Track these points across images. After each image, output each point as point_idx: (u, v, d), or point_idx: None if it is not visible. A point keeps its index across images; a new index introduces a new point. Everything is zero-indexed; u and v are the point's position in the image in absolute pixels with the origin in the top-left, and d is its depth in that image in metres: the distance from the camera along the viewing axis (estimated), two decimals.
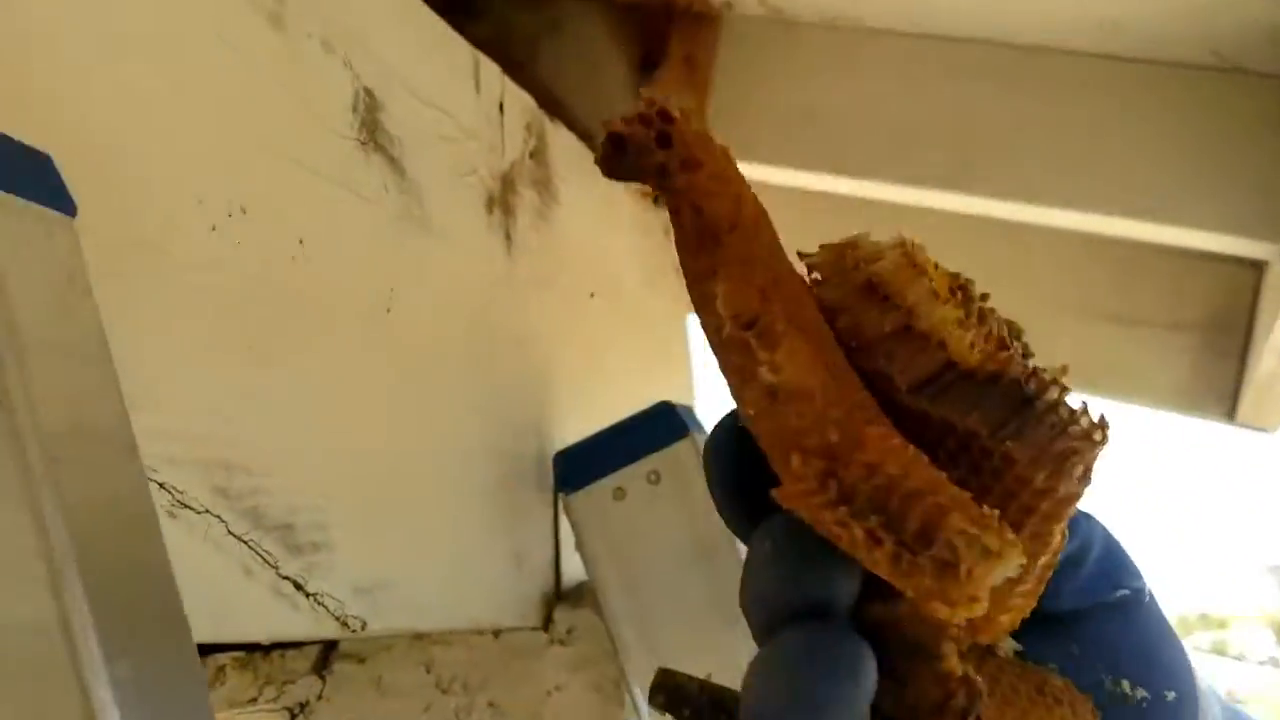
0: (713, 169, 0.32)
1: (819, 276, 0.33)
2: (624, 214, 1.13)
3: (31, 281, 0.34)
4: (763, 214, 0.33)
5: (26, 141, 0.39)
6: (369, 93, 0.71)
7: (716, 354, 0.32)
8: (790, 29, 1.05)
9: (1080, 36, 1.00)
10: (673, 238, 0.34)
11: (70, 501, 0.32)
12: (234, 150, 0.59)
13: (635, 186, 1.14)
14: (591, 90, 1.10)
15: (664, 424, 0.82)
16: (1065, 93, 1.02)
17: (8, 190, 0.34)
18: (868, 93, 1.05)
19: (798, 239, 0.35)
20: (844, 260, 0.33)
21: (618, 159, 0.32)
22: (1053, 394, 0.31)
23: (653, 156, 0.32)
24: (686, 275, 0.33)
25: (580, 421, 0.92)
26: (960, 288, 0.34)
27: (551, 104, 1.10)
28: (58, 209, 0.36)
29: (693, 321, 1.24)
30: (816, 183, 1.10)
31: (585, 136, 1.08)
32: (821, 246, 0.35)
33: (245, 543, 0.57)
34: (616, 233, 1.11)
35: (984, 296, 0.34)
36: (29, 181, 0.35)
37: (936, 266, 0.33)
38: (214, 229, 0.57)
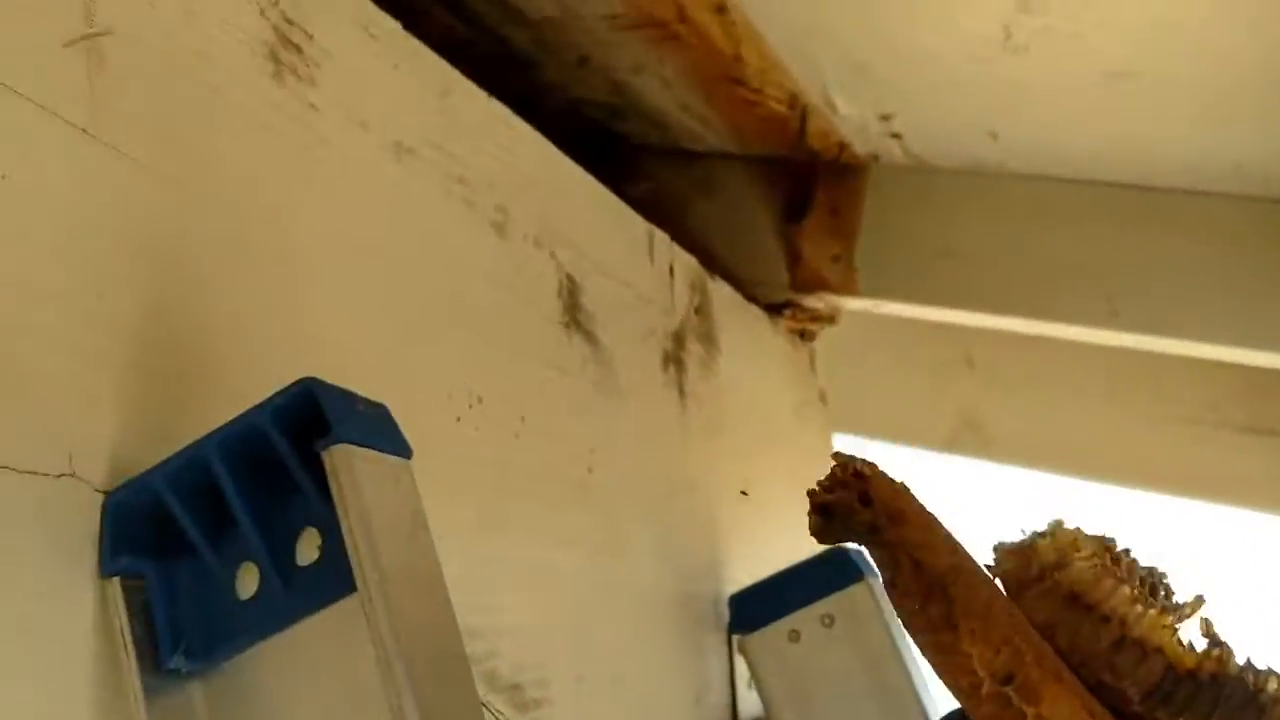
0: (917, 519, 0.36)
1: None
2: (776, 350, 1.20)
3: (387, 522, 0.41)
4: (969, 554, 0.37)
5: (312, 369, 0.47)
6: (570, 278, 0.79)
7: (965, 704, 0.35)
8: (932, 175, 1.12)
9: (1209, 179, 1.04)
10: (885, 578, 0.37)
11: None
12: (473, 348, 0.67)
13: (783, 324, 1.21)
14: (741, 240, 1.18)
15: (838, 568, 0.87)
16: (1196, 231, 1.06)
17: (365, 444, 0.42)
18: (1007, 233, 1.10)
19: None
20: (1029, 568, 0.36)
21: (828, 526, 0.36)
22: (1273, 686, 0.34)
23: (860, 516, 0.35)
24: (911, 624, 0.37)
25: (751, 562, 0.97)
26: (1114, 556, 0.37)
27: (704, 254, 1.18)
28: (398, 454, 0.44)
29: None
30: (957, 317, 1.15)
31: (736, 283, 1.16)
32: (1003, 553, 0.38)
33: (484, 705, 0.63)
34: (770, 369, 1.18)
35: (1126, 552, 0.38)
36: (376, 433, 0.43)
37: (1086, 537, 0.37)
38: (459, 419, 0.64)
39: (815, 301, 1.17)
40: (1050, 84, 0.87)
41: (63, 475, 0.42)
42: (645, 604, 0.84)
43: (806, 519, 0.44)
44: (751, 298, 1.16)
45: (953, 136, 1.03)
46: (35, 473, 0.41)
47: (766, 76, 0.99)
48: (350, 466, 0.40)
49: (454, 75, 0.71)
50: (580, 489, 0.76)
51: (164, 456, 0.43)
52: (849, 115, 1.03)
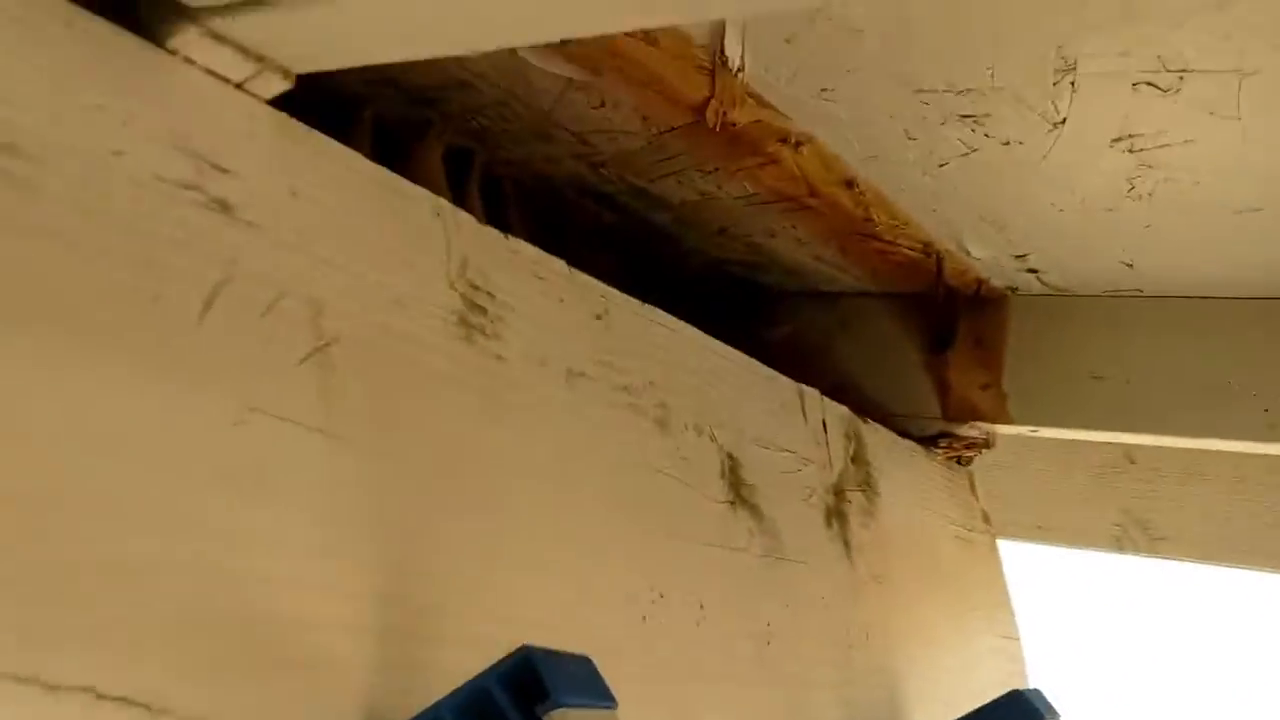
0: None
1: None
2: (934, 481, 1.22)
3: None
4: None
5: (516, 599, 0.53)
6: (730, 456, 0.84)
7: None
8: (1073, 301, 1.14)
9: None
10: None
11: None
12: (650, 545, 0.72)
13: (939, 454, 1.23)
14: (888, 374, 1.22)
15: (1017, 713, 0.88)
16: None
17: (577, 704, 0.47)
18: (1155, 353, 1.11)
19: None
20: None
21: None
22: None
23: None
24: None
25: (931, 705, 0.99)
26: None
27: (852, 391, 1.22)
28: (605, 704, 0.49)
29: (1006, 573, 1.30)
30: (1114, 438, 1.16)
31: (887, 417, 1.19)
32: None
33: None
34: (931, 500, 1.20)
35: None
36: (585, 688, 0.49)
37: None
38: (644, 619, 0.70)
39: (969, 430, 1.19)
40: (1179, 222, 0.89)
41: None
42: None
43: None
44: (904, 432, 1.19)
45: (1088, 269, 1.05)
46: None
47: (898, 231, 1.03)
48: None
49: (610, 294, 0.78)
50: (759, 664, 0.80)
51: (409, 713, 0.49)
52: (983, 257, 1.07)
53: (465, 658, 0.50)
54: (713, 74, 0.79)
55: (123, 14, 0.50)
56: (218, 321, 0.49)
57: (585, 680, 0.49)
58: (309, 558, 0.51)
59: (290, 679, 0.48)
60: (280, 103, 0.55)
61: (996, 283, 1.14)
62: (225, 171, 0.52)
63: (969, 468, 1.27)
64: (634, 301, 0.81)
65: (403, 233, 0.61)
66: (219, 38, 0.51)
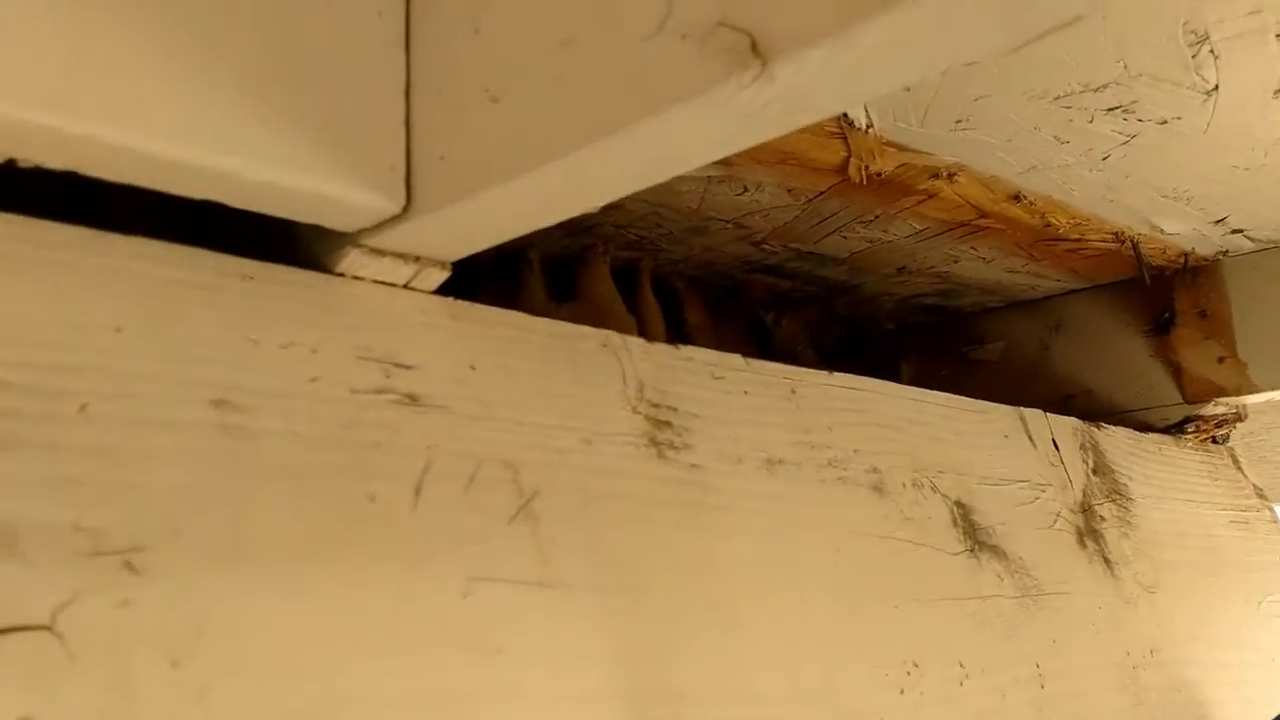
0: None
1: None
2: (1192, 469, 1.15)
3: None
4: None
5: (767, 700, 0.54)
6: (959, 504, 0.83)
7: None
8: None
9: None
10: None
11: None
12: (893, 616, 0.72)
13: (1188, 440, 1.16)
14: (1115, 368, 1.16)
15: None
16: None
17: None
18: None
19: None
20: None
21: None
22: None
23: None
24: None
25: (1243, 706, 0.93)
26: None
27: (1080, 394, 1.17)
28: None
29: None
30: None
31: (1124, 413, 1.14)
32: None
33: None
34: (1194, 490, 1.13)
35: None
36: None
37: None
38: (902, 692, 0.69)
39: (1214, 409, 1.12)
40: None
41: None
42: None
43: None
44: (1147, 426, 1.13)
45: None
46: None
47: (1082, 228, 1.00)
48: None
49: (794, 373, 0.79)
50: (1038, 709, 0.77)
51: None
52: (1181, 231, 1.02)
53: None
54: (844, 136, 0.80)
55: (290, 250, 0.56)
56: (429, 504, 0.54)
57: None
58: (553, 704, 0.54)
59: None
60: (454, 277, 0.60)
61: (1203, 251, 1.08)
62: (409, 367, 0.56)
63: (1227, 444, 1.19)
64: (820, 374, 0.81)
65: (578, 374, 0.65)
66: (378, 251, 0.56)
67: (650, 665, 0.59)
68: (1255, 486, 1.21)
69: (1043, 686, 0.79)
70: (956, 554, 0.80)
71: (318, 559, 0.49)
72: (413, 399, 0.56)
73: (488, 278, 0.94)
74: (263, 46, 0.50)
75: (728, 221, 0.95)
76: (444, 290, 0.61)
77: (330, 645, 0.47)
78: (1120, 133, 0.80)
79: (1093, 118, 0.77)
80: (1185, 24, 0.66)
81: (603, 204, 0.52)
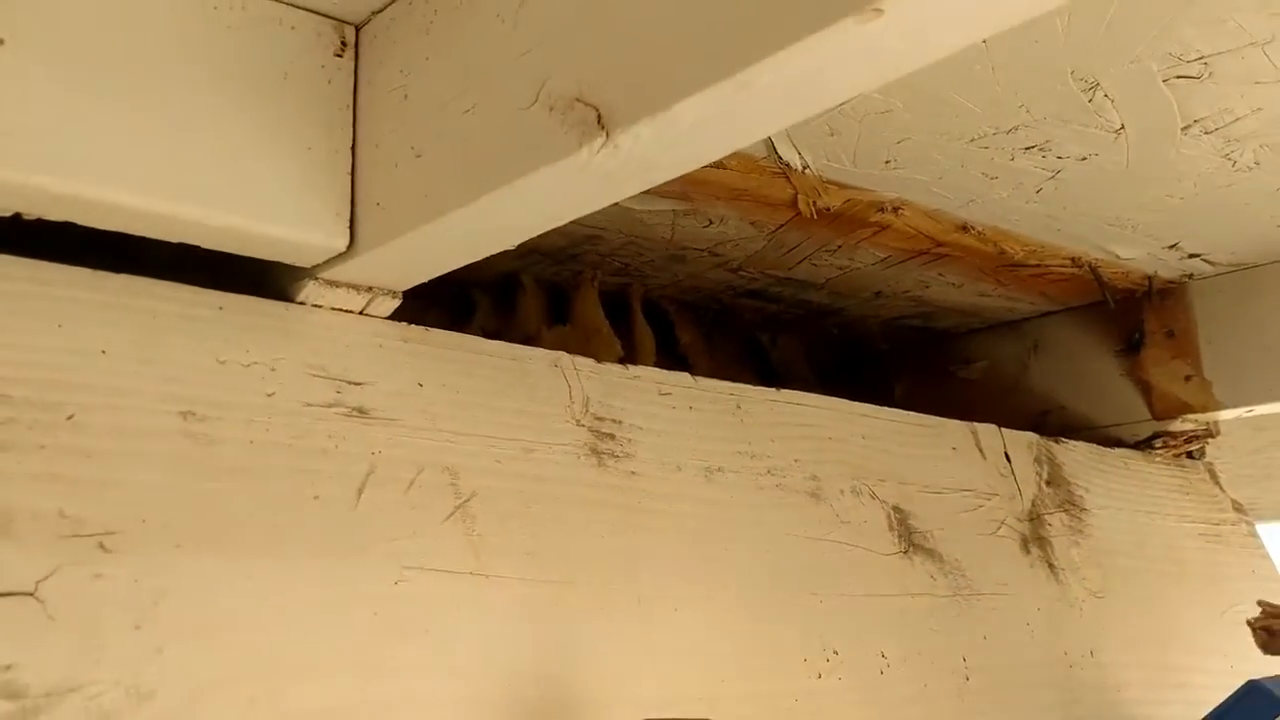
0: None
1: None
2: (1162, 483, 1.20)
3: None
4: None
5: (672, 683, 0.61)
6: (897, 509, 0.90)
7: None
8: (1255, 274, 1.11)
9: None
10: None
11: None
12: (817, 609, 0.79)
13: (1159, 455, 1.21)
14: (1085, 387, 1.22)
15: (1258, 705, 0.86)
16: None
17: None
18: None
19: None
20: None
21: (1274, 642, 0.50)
22: None
23: None
24: None
25: (1180, 707, 0.98)
26: None
27: (1055, 410, 1.23)
28: None
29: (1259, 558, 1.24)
30: None
31: (1095, 429, 1.19)
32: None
33: None
34: (1161, 504, 1.18)
35: None
36: None
37: None
38: (820, 676, 0.76)
39: (1182, 425, 1.17)
40: None
41: None
42: None
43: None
44: (1118, 441, 1.18)
45: (1249, 241, 1.03)
46: None
47: (1038, 254, 1.06)
48: None
49: (741, 390, 0.87)
50: (960, 699, 0.84)
51: None
52: (1135, 256, 1.07)
53: None
54: (787, 175, 0.87)
55: (261, 283, 0.65)
56: (370, 504, 0.63)
57: None
58: (475, 680, 0.62)
59: None
60: (452, 291, 0.69)
61: (1166, 274, 1.13)
62: (359, 384, 0.66)
63: (1203, 459, 1.24)
64: (768, 390, 0.89)
65: (525, 391, 0.73)
66: (332, 283, 0.65)
67: (573, 650, 0.67)
68: (1234, 501, 1.25)
69: (968, 678, 0.85)
70: (889, 554, 0.87)
71: (265, 547, 0.58)
72: (360, 411, 0.65)
73: (489, 300, 1.03)
74: (232, 111, 0.59)
75: (703, 250, 1.03)
76: (440, 314, 0.70)
77: (272, 618, 0.56)
78: (1043, 169, 0.86)
79: (1013, 156, 0.84)
80: (1073, 72, 0.72)
81: (514, 244, 0.60)
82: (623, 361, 0.81)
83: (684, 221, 0.96)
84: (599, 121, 0.48)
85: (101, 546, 0.53)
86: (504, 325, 1.04)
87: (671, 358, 1.15)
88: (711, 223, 0.96)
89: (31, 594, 0.50)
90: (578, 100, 0.49)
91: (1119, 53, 0.70)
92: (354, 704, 0.57)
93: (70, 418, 0.55)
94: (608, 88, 0.48)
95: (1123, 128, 0.80)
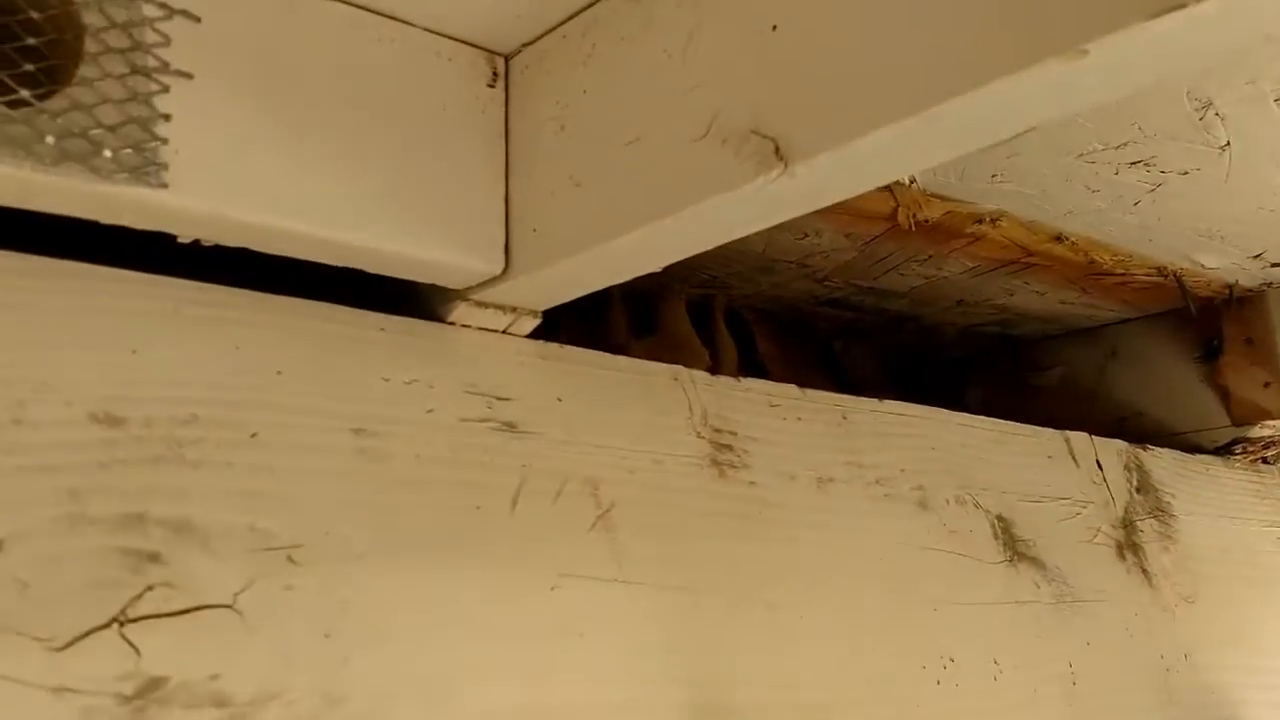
0: None
1: None
2: (1240, 488, 1.21)
3: None
4: None
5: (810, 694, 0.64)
6: (1000, 518, 0.92)
7: None
8: None
9: None
10: None
11: None
12: (932, 617, 0.81)
13: (1237, 461, 1.22)
14: (1164, 394, 1.23)
15: None
16: None
17: None
18: None
19: None
20: None
21: None
22: None
23: None
24: None
25: (1268, 709, 0.99)
26: None
27: (1133, 416, 1.24)
28: None
29: None
30: None
31: (1174, 435, 1.20)
32: None
33: None
34: (1241, 508, 1.19)
35: None
36: None
37: None
38: (938, 683, 0.79)
39: (1260, 431, 1.18)
40: None
41: None
42: None
43: None
44: (1197, 447, 1.20)
45: None
46: None
47: (1126, 264, 1.08)
48: None
49: (845, 400, 0.89)
50: (1068, 703, 0.86)
51: None
52: (1219, 266, 1.09)
53: None
54: (891, 190, 0.89)
55: (411, 303, 0.68)
56: (524, 514, 0.65)
57: None
58: (626, 685, 0.64)
59: None
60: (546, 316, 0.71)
61: (1247, 283, 1.14)
62: (506, 400, 0.68)
63: (1278, 465, 1.25)
64: (870, 401, 0.91)
65: (650, 404, 0.76)
66: (482, 304, 0.68)
67: (709, 655, 0.69)
68: None
69: (1074, 684, 0.87)
70: (996, 563, 0.89)
71: (435, 556, 0.60)
72: (510, 426, 0.67)
73: (575, 312, 1.06)
74: (397, 141, 0.62)
75: (792, 262, 1.05)
76: (537, 330, 0.72)
77: (445, 625, 0.59)
78: (1145, 183, 0.88)
79: (1118, 170, 0.86)
80: (1189, 92, 0.74)
81: (664, 266, 0.62)
82: (710, 372, 0.84)
83: (779, 235, 0.98)
84: (777, 152, 0.50)
85: (290, 559, 0.56)
86: (592, 338, 1.06)
87: (749, 366, 1.17)
88: (806, 235, 0.98)
89: (230, 606, 0.53)
90: (753, 133, 0.52)
91: (1236, 74, 0.72)
92: (520, 706, 0.59)
93: (254, 436, 0.57)
94: (786, 120, 0.50)
95: (1228, 144, 0.81)
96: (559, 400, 0.71)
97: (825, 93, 0.49)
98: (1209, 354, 1.21)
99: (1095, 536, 0.99)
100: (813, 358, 1.31)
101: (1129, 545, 1.02)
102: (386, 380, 0.63)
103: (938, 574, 0.84)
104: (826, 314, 1.22)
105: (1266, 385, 1.17)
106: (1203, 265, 1.08)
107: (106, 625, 0.49)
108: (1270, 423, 1.17)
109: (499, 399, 0.68)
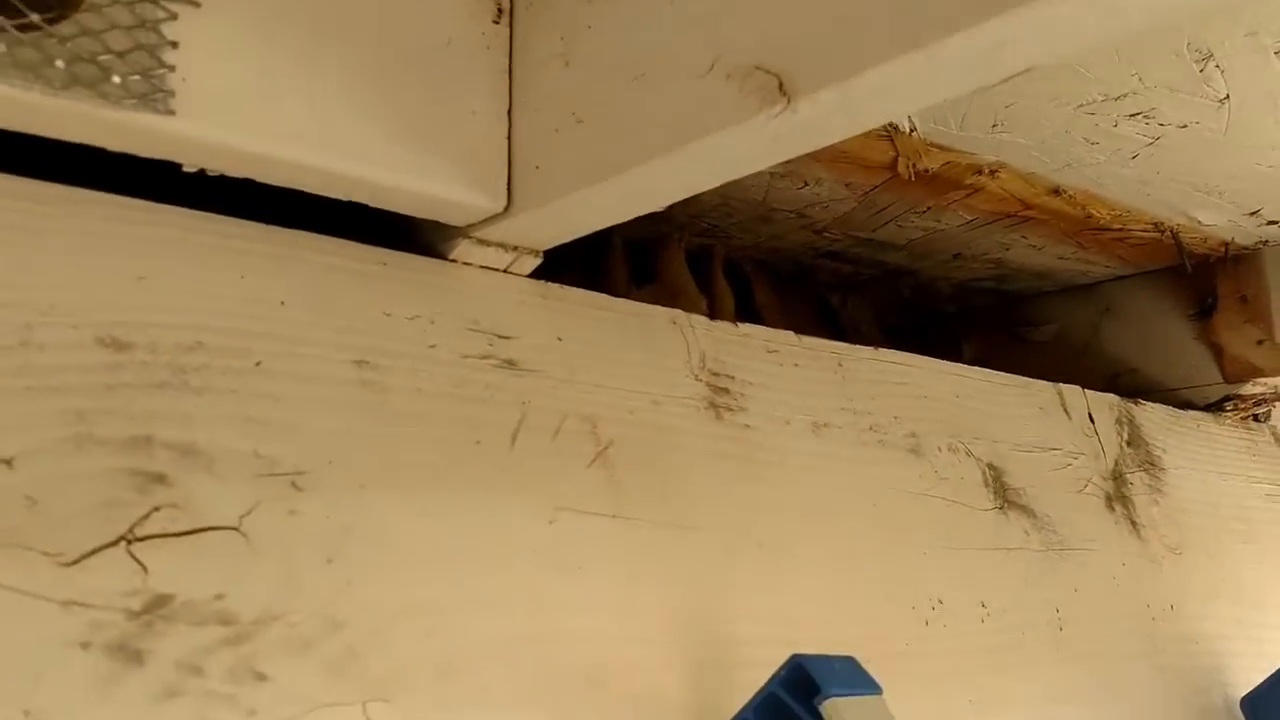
0: None
1: None
2: (1230, 444, 1.23)
3: None
4: None
5: (799, 624, 0.65)
6: (991, 466, 0.93)
7: None
8: None
9: None
10: None
11: None
12: (922, 560, 0.82)
13: (1228, 417, 1.23)
14: (1157, 350, 1.24)
15: None
16: None
17: (846, 693, 0.59)
18: None
19: None
20: None
21: None
22: None
23: None
24: None
25: (1257, 661, 1.01)
26: None
27: (1126, 373, 1.25)
28: (870, 691, 0.61)
29: None
30: None
31: (1166, 392, 1.22)
32: None
33: None
34: (1229, 464, 1.21)
35: None
36: (852, 681, 0.60)
37: None
38: (926, 623, 0.80)
39: (1253, 388, 1.19)
40: None
41: None
42: None
43: None
44: (1188, 403, 1.21)
45: None
46: None
47: (1123, 219, 1.08)
48: (839, 711, 0.58)
49: (841, 348, 0.89)
50: (1055, 647, 0.87)
51: None
52: (1216, 223, 1.09)
53: (760, 676, 0.63)
54: (891, 138, 0.90)
55: (411, 239, 0.68)
56: (523, 449, 0.66)
57: (850, 675, 0.61)
58: (623, 616, 0.66)
59: (625, 708, 0.63)
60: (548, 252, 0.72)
61: (1243, 240, 1.15)
62: (507, 338, 0.69)
63: (1269, 423, 1.26)
64: (866, 349, 0.92)
65: (649, 346, 0.76)
66: (484, 242, 0.68)
67: (704, 590, 0.71)
68: None
69: (1061, 629, 0.89)
70: (986, 510, 0.90)
71: (436, 488, 0.61)
72: (510, 364, 0.68)
73: (576, 259, 1.06)
74: (400, 75, 0.62)
75: (791, 212, 1.06)
76: (537, 272, 0.73)
77: (445, 555, 0.60)
78: (1144, 135, 0.88)
79: (1116, 122, 0.86)
80: (1189, 43, 0.74)
81: (666, 205, 0.63)
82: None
83: (779, 184, 0.99)
84: (780, 88, 0.51)
85: (294, 485, 0.57)
86: (592, 287, 1.07)
87: (747, 317, 1.17)
88: (806, 184, 0.99)
89: (236, 529, 0.54)
90: (757, 68, 0.52)
91: (1236, 25, 0.72)
92: (518, 634, 0.61)
93: (258, 364, 0.58)
94: (790, 56, 0.51)
95: (1228, 97, 0.82)
96: (559, 340, 0.72)
97: (827, 28, 0.49)
98: (1203, 311, 1.22)
99: (1085, 487, 1.00)
100: (810, 311, 1.31)
101: (1118, 497, 1.03)
102: (388, 315, 0.64)
103: (928, 519, 0.85)
104: (825, 266, 1.23)
105: (1260, 343, 1.18)
106: (1199, 222, 1.09)
107: (114, 543, 0.50)
108: (1262, 380, 1.18)
109: (500, 337, 0.69)
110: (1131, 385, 1.24)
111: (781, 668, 0.61)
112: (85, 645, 0.48)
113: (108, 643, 0.48)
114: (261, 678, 0.52)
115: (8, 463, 0.49)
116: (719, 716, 0.64)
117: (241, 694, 0.51)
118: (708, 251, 1.13)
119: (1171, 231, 1.12)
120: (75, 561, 0.49)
